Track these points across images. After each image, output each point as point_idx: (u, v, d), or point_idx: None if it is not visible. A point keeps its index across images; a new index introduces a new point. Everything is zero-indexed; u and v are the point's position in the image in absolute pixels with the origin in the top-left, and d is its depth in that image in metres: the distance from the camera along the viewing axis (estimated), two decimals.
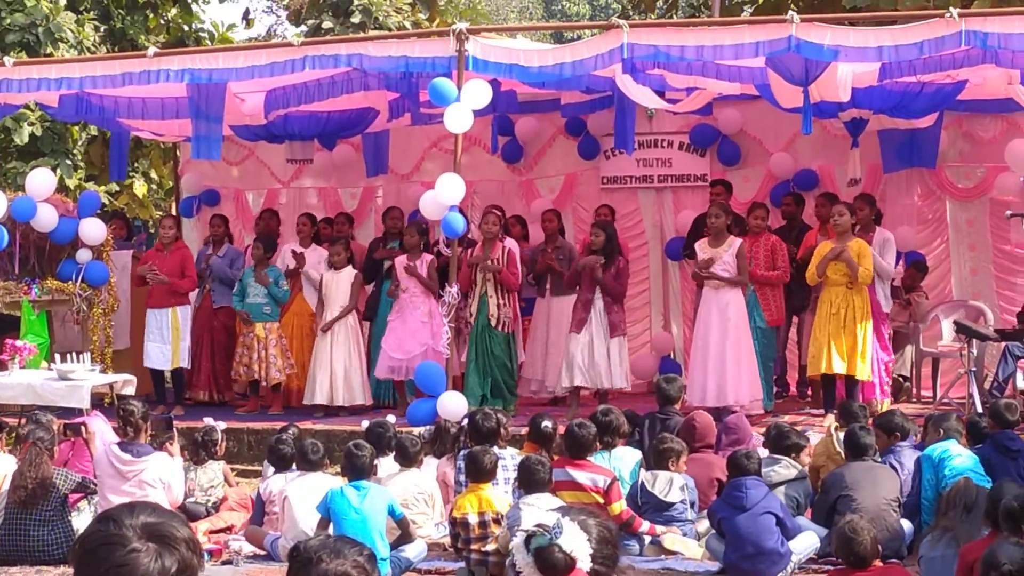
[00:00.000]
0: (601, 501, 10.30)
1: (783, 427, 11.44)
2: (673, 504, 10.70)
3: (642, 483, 10.82)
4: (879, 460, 10.64)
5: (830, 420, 12.31)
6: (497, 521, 9.91)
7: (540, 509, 8.77)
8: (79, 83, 15.17)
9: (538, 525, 3.28)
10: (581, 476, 10.44)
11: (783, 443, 11.11)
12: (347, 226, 17.87)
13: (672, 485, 10.74)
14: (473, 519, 9.91)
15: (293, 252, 16.61)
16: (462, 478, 10.83)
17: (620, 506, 10.44)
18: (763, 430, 11.98)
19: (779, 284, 15.27)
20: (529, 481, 9.79)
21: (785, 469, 10.88)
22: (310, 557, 3.35)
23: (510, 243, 15.47)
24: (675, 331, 17.97)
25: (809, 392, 15.88)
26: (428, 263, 15.36)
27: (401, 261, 15.52)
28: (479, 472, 10.19)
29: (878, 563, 8.23)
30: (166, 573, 2.97)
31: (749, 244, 15.04)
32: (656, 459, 11.02)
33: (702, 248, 14.78)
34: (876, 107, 15.44)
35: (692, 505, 10.79)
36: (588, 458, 10.64)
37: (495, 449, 10.85)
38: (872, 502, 10.06)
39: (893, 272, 15.14)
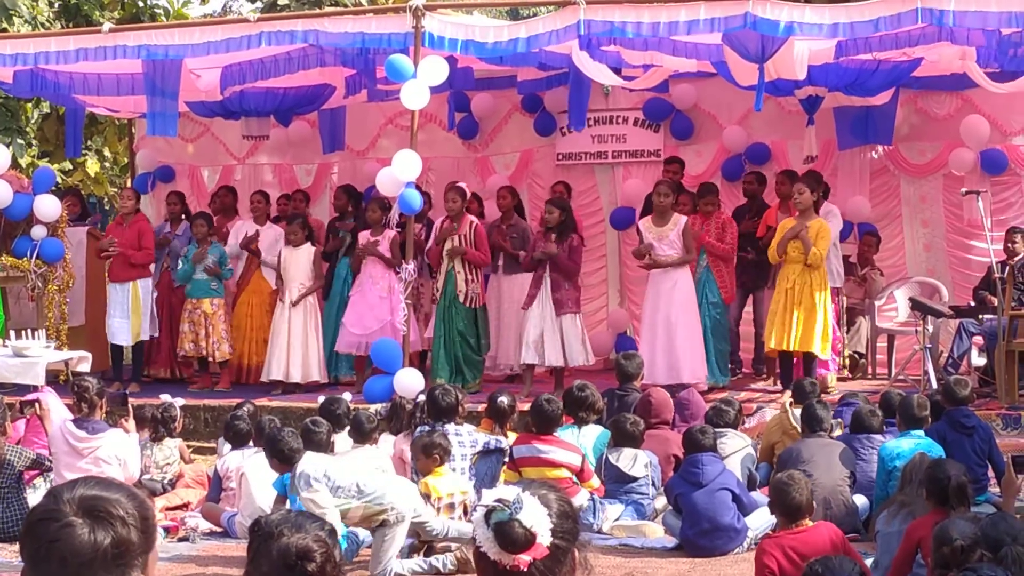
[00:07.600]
0: (575, 479, 10.36)
1: (719, 405, 11.59)
2: (637, 479, 10.73)
3: (606, 458, 10.85)
4: (833, 436, 10.73)
5: (787, 396, 12.38)
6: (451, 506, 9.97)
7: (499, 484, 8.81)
8: (34, 59, 15.08)
9: (498, 500, 3.27)
10: (553, 453, 10.47)
11: (724, 419, 11.22)
12: (304, 204, 17.81)
13: (636, 461, 10.78)
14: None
15: (246, 235, 16.52)
16: None
17: (596, 481, 10.55)
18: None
19: (728, 258, 15.31)
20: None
21: (732, 440, 10.99)
22: (271, 531, 3.36)
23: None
24: (631, 308, 17.96)
25: (765, 371, 15.90)
26: (391, 239, 15.32)
27: (364, 236, 15.51)
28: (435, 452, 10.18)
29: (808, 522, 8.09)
30: (98, 548, 2.89)
31: (700, 222, 15.10)
32: (619, 438, 11.03)
33: (647, 228, 14.72)
34: (832, 84, 15.47)
35: (654, 483, 10.83)
36: (554, 433, 10.69)
37: (451, 425, 10.83)
38: (828, 478, 10.13)
39: (835, 237, 15.13)
